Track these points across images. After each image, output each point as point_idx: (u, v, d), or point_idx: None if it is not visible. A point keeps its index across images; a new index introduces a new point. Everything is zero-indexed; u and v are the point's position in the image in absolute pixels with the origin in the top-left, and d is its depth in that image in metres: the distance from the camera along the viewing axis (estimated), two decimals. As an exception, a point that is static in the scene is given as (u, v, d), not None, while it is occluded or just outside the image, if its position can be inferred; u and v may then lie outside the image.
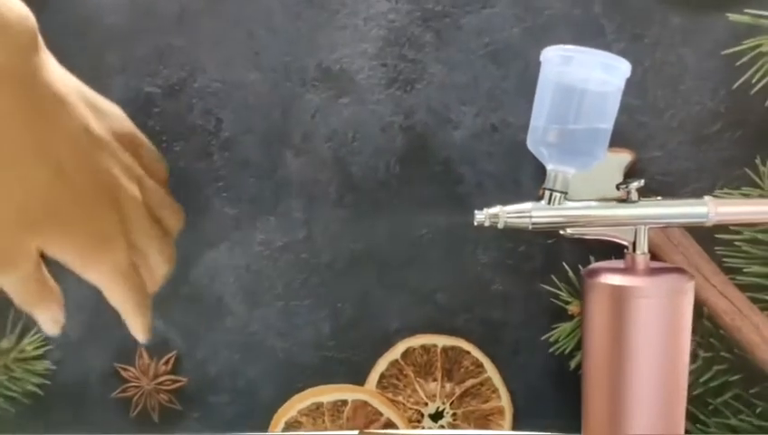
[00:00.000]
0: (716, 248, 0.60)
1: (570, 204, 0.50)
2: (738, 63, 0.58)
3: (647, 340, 0.49)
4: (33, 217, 0.39)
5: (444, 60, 0.61)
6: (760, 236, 0.58)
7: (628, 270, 0.50)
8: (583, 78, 0.48)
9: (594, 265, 0.52)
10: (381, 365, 0.65)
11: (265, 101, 0.62)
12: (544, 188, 0.50)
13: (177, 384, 0.66)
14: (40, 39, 0.39)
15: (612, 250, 0.53)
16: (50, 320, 0.42)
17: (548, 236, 0.63)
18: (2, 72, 0.36)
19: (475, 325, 0.64)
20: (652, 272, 0.50)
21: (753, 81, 0.57)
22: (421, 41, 0.61)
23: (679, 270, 0.51)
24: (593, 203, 0.50)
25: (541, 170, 0.60)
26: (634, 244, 0.50)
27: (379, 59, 0.61)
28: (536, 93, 0.49)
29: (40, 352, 0.65)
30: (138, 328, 0.45)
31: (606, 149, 0.49)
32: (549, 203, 0.49)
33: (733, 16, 0.57)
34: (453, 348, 0.65)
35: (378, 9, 0.61)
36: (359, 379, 0.65)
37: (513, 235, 0.63)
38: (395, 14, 0.61)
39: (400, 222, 0.63)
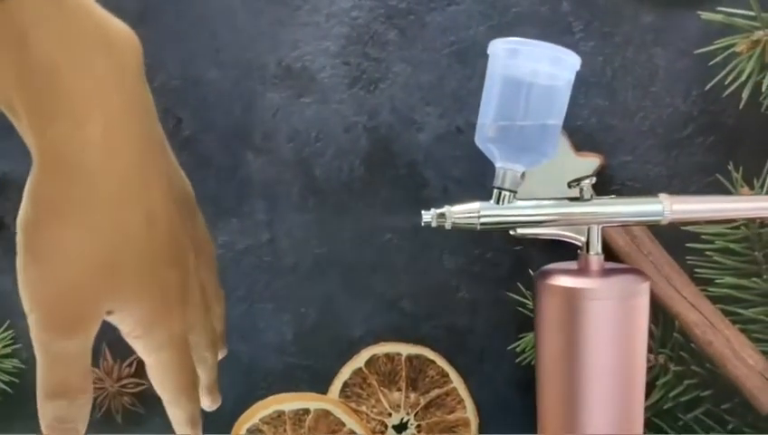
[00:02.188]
0: (688, 258, 0.58)
1: (520, 203, 0.48)
2: (710, 63, 0.56)
3: (600, 343, 0.47)
4: (119, 266, 0.34)
5: (408, 59, 0.60)
6: (732, 245, 0.56)
7: (581, 271, 0.48)
8: (531, 72, 0.46)
9: (547, 266, 0.50)
10: (345, 373, 0.63)
11: (226, 100, 0.61)
12: (493, 187, 0.48)
13: (141, 387, 0.65)
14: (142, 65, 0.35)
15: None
16: (76, 418, 0.36)
17: (516, 243, 0.60)
18: (121, 94, 0.33)
19: (440, 333, 0.62)
20: (606, 273, 0.48)
21: (726, 82, 0.55)
22: (385, 39, 0.60)
23: (634, 271, 0.49)
24: (544, 202, 0.48)
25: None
26: (587, 244, 0.48)
27: (341, 57, 0.60)
28: (484, 89, 0.48)
29: (8, 350, 0.65)
30: (184, 418, 0.40)
31: (556, 146, 0.48)
32: (498, 202, 0.48)
33: (705, 15, 0.55)
34: (417, 357, 0.63)
35: (340, 6, 0.59)
36: (322, 386, 0.63)
37: (480, 240, 0.61)
38: (358, 10, 0.59)
39: (365, 226, 0.62)
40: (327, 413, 0.63)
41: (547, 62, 0.46)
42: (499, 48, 0.47)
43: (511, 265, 0.61)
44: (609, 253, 0.56)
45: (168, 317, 0.37)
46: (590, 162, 0.58)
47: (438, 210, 0.48)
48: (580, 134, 0.58)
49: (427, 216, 0.48)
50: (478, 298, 0.62)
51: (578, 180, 0.48)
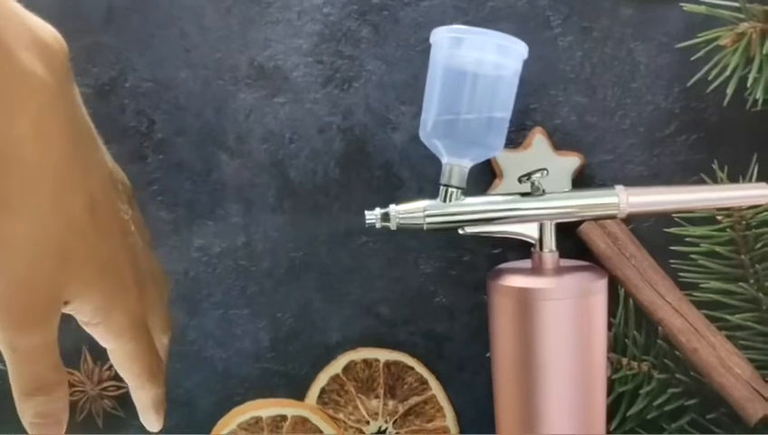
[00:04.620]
0: (672, 262, 0.55)
1: (468, 200, 0.46)
2: (693, 58, 0.53)
3: (557, 344, 0.45)
4: (69, 254, 0.35)
5: (382, 56, 0.58)
6: (718, 248, 0.53)
7: (535, 270, 0.47)
8: (475, 61, 0.44)
9: (499, 266, 0.48)
10: (322, 379, 0.62)
11: (198, 101, 0.60)
12: (440, 184, 0.46)
13: (121, 391, 0.64)
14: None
15: (566, 257, 0.49)
16: (57, 411, 0.37)
17: (493, 246, 0.59)
18: (47, 88, 0.34)
19: (418, 339, 0.61)
20: (560, 271, 0.46)
21: (710, 77, 0.52)
22: (358, 36, 0.58)
23: (591, 268, 0.47)
24: (493, 198, 0.47)
25: (487, 175, 0.57)
26: (540, 241, 0.46)
27: (314, 55, 0.58)
28: (426, 81, 0.46)
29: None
30: (149, 402, 0.41)
31: (504, 139, 0.46)
32: (445, 200, 0.46)
33: (687, 6, 0.53)
34: (396, 363, 0.61)
35: (312, 2, 0.58)
36: (299, 392, 0.62)
37: (457, 244, 0.59)
38: (330, 6, 0.58)
39: (340, 229, 0.60)
40: (304, 420, 0.61)
41: (493, 52, 0.44)
42: (442, 37, 0.45)
43: (488, 269, 0.58)
44: (590, 257, 0.54)
45: (125, 300, 0.38)
46: (570, 161, 0.56)
47: (382, 210, 0.46)
48: (559, 133, 0.56)
49: (371, 216, 0.46)
50: (456, 303, 0.60)
51: (528, 175, 0.46)
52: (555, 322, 0.45)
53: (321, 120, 0.59)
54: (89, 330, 0.38)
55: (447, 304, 0.60)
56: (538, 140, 0.56)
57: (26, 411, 0.36)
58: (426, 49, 0.57)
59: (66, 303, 0.36)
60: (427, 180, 0.58)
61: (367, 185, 0.59)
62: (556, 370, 0.45)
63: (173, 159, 0.60)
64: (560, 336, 0.45)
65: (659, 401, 0.55)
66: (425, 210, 0.46)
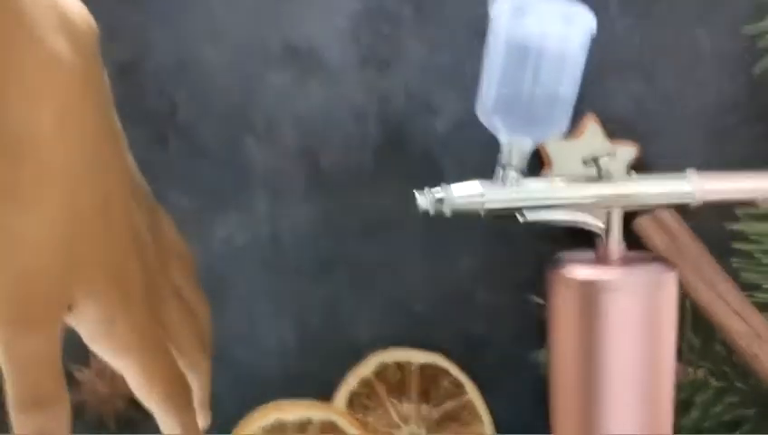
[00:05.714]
0: (733, 260, 0.52)
1: (529, 183, 0.42)
2: (761, 45, 0.50)
3: (622, 340, 0.41)
4: (77, 253, 0.32)
5: (423, 37, 0.55)
6: (784, 246, 0.50)
7: (600, 261, 0.43)
8: (539, 33, 0.41)
9: (560, 255, 0.45)
10: (351, 382, 0.58)
11: (224, 83, 0.56)
12: (499, 165, 0.43)
13: (134, 391, 0.61)
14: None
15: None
16: (55, 431, 0.33)
17: (539, 242, 0.55)
18: (74, 74, 0.31)
19: (455, 340, 0.58)
20: (627, 262, 0.43)
21: (779, 65, 0.49)
22: (398, 15, 0.55)
23: (660, 259, 0.44)
24: (558, 182, 0.43)
25: (532, 161, 0.54)
26: (607, 230, 0.43)
27: (350, 35, 0.55)
28: (485, 54, 0.42)
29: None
30: (175, 431, 0.37)
31: (569, 118, 0.42)
32: (504, 182, 0.42)
33: (756, -11, 0.50)
34: (430, 366, 0.58)
35: (350, -21, 0.54)
36: (326, 394, 0.59)
37: (501, 238, 0.56)
38: (369, -16, 0.55)
39: (373, 222, 0.57)
40: (332, 424, 0.58)
41: (558, 22, 0.41)
42: (502, 7, 0.42)
43: (533, 267, 0.56)
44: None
45: (132, 311, 0.34)
46: (626, 151, 0.53)
47: (437, 193, 0.42)
48: (614, 121, 0.53)
49: (423, 199, 0.42)
50: (498, 302, 0.57)
51: (594, 158, 0.42)
52: (622, 316, 0.42)
53: (357, 105, 0.56)
54: (93, 347, 0.35)
55: (487, 304, 0.57)
56: (591, 129, 0.53)
57: (21, 428, 0.32)
58: (472, 30, 0.54)
59: (70, 308, 0.33)
60: (470, 170, 0.55)
61: (404, 175, 0.56)
62: (621, 368, 0.42)
63: (196, 143, 0.57)
64: (626, 332, 0.42)
65: (716, 409, 0.52)
66: (483, 194, 0.42)
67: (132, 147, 0.56)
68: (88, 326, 0.34)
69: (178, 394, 0.37)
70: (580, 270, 0.43)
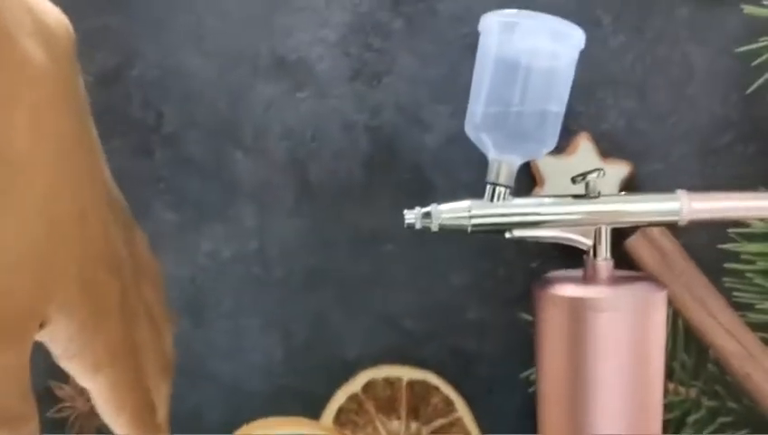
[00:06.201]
0: (725, 280, 0.52)
1: (517, 201, 0.42)
2: (754, 64, 0.50)
3: (610, 360, 0.41)
4: (52, 266, 0.31)
5: (415, 50, 0.54)
6: (776, 266, 0.50)
7: (588, 279, 0.43)
8: (529, 49, 0.40)
9: (548, 274, 0.45)
10: (340, 397, 0.57)
11: (212, 93, 0.55)
12: (487, 182, 0.42)
13: (115, 408, 0.59)
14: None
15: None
16: None
17: (531, 259, 0.55)
18: (49, 78, 0.30)
19: (445, 357, 0.57)
20: (616, 281, 0.43)
21: (773, 84, 0.49)
22: (390, 28, 0.54)
23: (649, 279, 0.44)
24: (545, 199, 0.43)
25: (524, 179, 0.53)
26: (594, 247, 0.42)
27: (341, 47, 0.54)
28: (474, 70, 0.42)
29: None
30: None
31: (557, 135, 0.42)
32: (492, 199, 0.42)
33: (748, 8, 0.50)
34: (420, 382, 0.57)
35: (341, -10, 0.53)
36: (313, 411, 0.57)
37: (492, 254, 0.55)
38: (361, -4, 0.54)
39: (363, 236, 0.56)
40: (319, 442, 0.57)
41: (547, 39, 0.40)
42: (492, 22, 0.41)
43: (525, 283, 0.55)
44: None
45: (106, 328, 0.33)
46: (618, 169, 0.52)
47: (424, 209, 0.42)
48: (607, 139, 0.53)
49: (411, 215, 0.42)
50: (488, 318, 0.56)
51: (583, 175, 0.42)
52: (609, 335, 0.41)
53: (347, 118, 0.55)
54: (63, 365, 0.34)
55: (478, 320, 0.56)
56: (584, 146, 0.52)
57: None
58: (465, 45, 0.53)
59: (42, 325, 0.32)
60: (461, 186, 0.54)
61: (394, 189, 0.55)
62: (609, 388, 0.42)
63: (182, 154, 0.56)
64: (614, 351, 0.42)
65: (708, 430, 0.52)
66: (470, 210, 0.42)
67: (116, 157, 0.55)
68: (60, 343, 0.33)
69: (147, 415, 0.36)
70: (567, 288, 0.42)
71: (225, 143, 0.56)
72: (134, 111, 0.55)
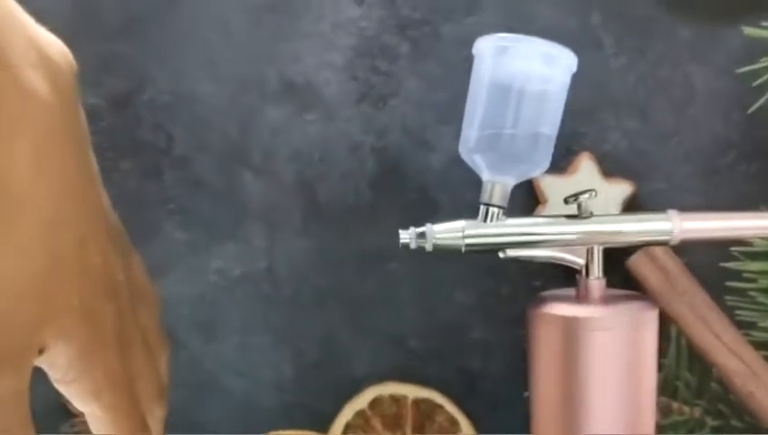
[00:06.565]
0: (728, 299, 0.52)
1: (510, 221, 0.43)
2: (755, 84, 0.51)
3: (601, 378, 0.41)
4: (51, 293, 0.31)
5: (421, 74, 0.55)
6: (778, 285, 0.50)
7: (580, 298, 0.43)
8: (521, 73, 0.41)
9: (542, 293, 0.45)
10: (347, 413, 0.58)
11: (222, 116, 0.56)
12: (480, 203, 0.43)
13: None
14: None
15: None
16: None
17: (534, 277, 0.55)
18: (52, 110, 0.31)
19: (450, 376, 0.57)
20: (608, 300, 0.43)
21: (773, 104, 0.49)
22: (396, 52, 0.55)
23: (641, 298, 0.44)
24: (538, 220, 0.43)
25: (527, 199, 0.54)
26: (587, 267, 0.43)
27: (348, 71, 0.55)
28: (468, 94, 0.43)
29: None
30: None
31: (550, 157, 0.42)
32: (485, 220, 0.42)
33: (748, 30, 0.50)
34: (425, 401, 0.57)
35: (347, 15, 0.54)
36: (321, 426, 0.58)
37: (495, 274, 0.56)
38: (367, 20, 0.54)
39: (370, 255, 0.57)
40: (327, 458, 0.58)
41: (540, 61, 0.41)
42: (485, 46, 0.42)
43: (528, 302, 0.55)
44: (639, 291, 0.51)
45: (104, 355, 0.34)
46: (620, 189, 0.53)
47: (418, 229, 0.43)
48: (609, 159, 0.53)
49: (405, 235, 0.43)
50: (492, 338, 0.56)
51: (575, 195, 0.43)
52: (602, 354, 0.42)
53: (354, 140, 0.56)
54: (62, 389, 0.34)
55: (483, 339, 0.57)
56: (586, 166, 0.53)
57: None
58: (468, 68, 0.54)
59: (41, 351, 0.32)
60: (466, 206, 0.54)
61: (400, 209, 0.56)
62: (601, 406, 0.42)
63: (192, 176, 0.57)
64: (606, 370, 0.42)
65: (712, 448, 0.52)
66: (463, 230, 0.43)
67: (128, 179, 0.57)
68: (58, 369, 0.33)
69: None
70: (560, 307, 0.43)
71: (234, 165, 0.57)
72: (145, 135, 0.56)
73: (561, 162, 0.53)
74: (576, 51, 0.52)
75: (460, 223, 0.43)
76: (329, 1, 0.54)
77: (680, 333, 0.52)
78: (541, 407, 0.44)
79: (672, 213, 0.43)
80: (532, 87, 0.42)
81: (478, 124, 0.43)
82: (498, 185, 0.43)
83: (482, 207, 0.43)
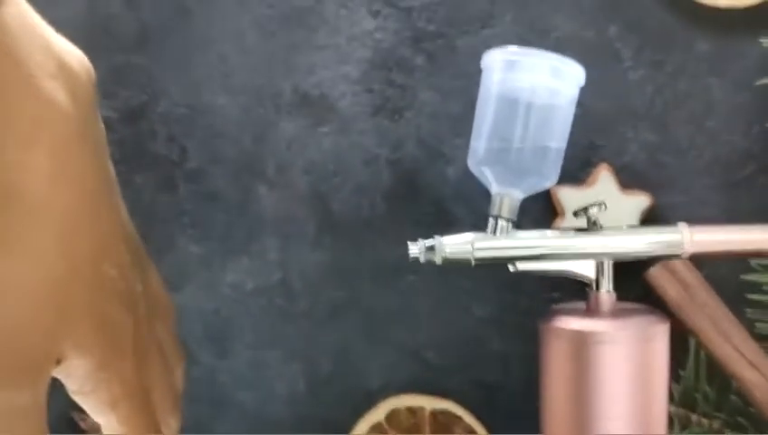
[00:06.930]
0: (748, 311, 0.52)
1: (520, 234, 0.43)
2: (775, 96, 0.50)
3: (611, 392, 0.42)
4: (69, 303, 0.31)
5: (436, 86, 0.54)
6: (799, 298, 0.50)
7: (591, 312, 0.43)
8: (529, 87, 0.41)
9: (554, 306, 0.45)
10: (362, 427, 0.58)
11: (236, 129, 0.56)
12: (489, 216, 0.43)
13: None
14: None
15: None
16: None
17: (552, 290, 0.55)
18: (70, 120, 0.31)
19: (468, 388, 0.57)
20: (618, 314, 0.43)
21: (793, 117, 0.49)
22: (411, 64, 0.54)
23: (651, 311, 0.44)
24: (548, 233, 0.43)
25: (545, 212, 0.54)
26: (597, 281, 0.43)
27: (363, 84, 0.55)
28: (476, 106, 0.43)
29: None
30: None
31: (559, 170, 0.42)
32: (495, 233, 0.42)
33: (767, 43, 0.50)
34: (443, 412, 0.57)
35: (363, 27, 0.54)
36: (336, 441, 0.58)
37: (513, 286, 0.55)
38: (382, 33, 0.54)
39: (386, 268, 0.56)
40: (343, 471, 0.58)
41: (548, 75, 0.41)
42: (494, 60, 0.42)
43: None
44: (657, 305, 0.51)
45: (121, 366, 0.34)
46: (638, 201, 0.52)
47: (427, 242, 0.42)
48: (627, 171, 0.53)
49: (414, 248, 0.43)
50: (511, 350, 0.56)
51: (584, 208, 0.43)
52: (610, 367, 0.42)
53: (369, 152, 0.55)
54: (79, 399, 0.34)
55: (501, 352, 0.56)
56: (604, 178, 0.52)
57: None
58: (484, 79, 0.54)
59: (58, 362, 0.32)
60: (482, 218, 0.54)
61: (416, 221, 0.56)
62: (611, 420, 0.43)
63: (206, 189, 0.56)
64: (615, 383, 0.42)
65: (731, 461, 0.51)
66: (473, 243, 0.43)
67: (141, 192, 0.56)
68: (76, 380, 0.33)
69: None
70: (570, 321, 0.43)
71: (248, 178, 0.56)
72: (158, 147, 0.56)
73: (579, 174, 0.53)
74: (594, 63, 0.52)
75: (469, 236, 0.43)
76: (344, 13, 0.54)
77: (699, 345, 0.52)
78: (552, 420, 0.45)
79: (682, 226, 0.43)
80: (540, 100, 0.42)
81: (486, 137, 0.43)
82: (507, 198, 0.43)
83: (491, 219, 0.43)
